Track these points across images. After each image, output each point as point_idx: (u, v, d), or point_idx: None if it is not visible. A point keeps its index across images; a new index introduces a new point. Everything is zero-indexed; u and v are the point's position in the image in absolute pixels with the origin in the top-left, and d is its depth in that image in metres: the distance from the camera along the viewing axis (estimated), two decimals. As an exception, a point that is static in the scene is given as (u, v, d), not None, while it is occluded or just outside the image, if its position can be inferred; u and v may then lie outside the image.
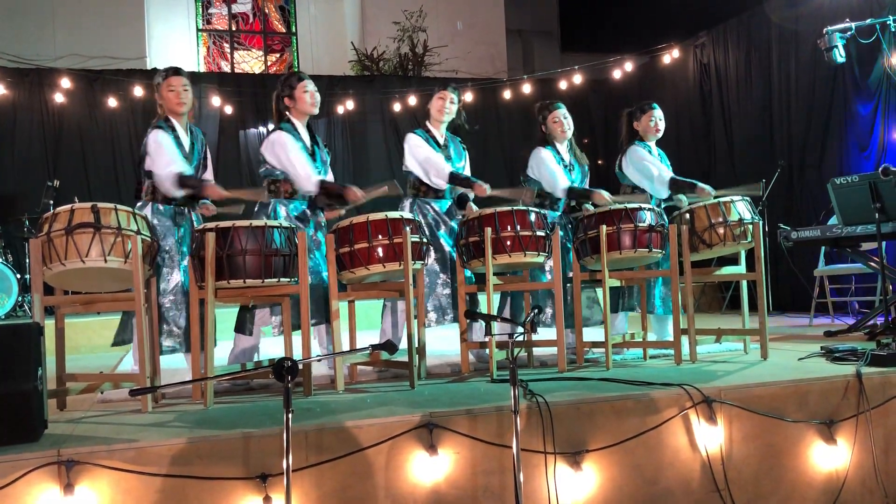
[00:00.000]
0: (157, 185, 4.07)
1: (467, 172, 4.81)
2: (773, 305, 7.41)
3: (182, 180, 4.00)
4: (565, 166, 4.82)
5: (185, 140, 4.17)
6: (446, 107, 4.67)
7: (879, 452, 3.48)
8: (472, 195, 4.73)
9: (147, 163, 4.10)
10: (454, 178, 4.57)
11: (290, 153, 4.17)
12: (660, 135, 5.00)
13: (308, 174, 4.17)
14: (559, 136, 4.85)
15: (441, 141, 4.69)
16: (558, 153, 4.85)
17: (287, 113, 4.32)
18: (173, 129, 4.13)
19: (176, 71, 4.18)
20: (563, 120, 4.83)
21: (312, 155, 4.29)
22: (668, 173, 4.85)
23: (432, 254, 4.48)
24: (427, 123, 4.73)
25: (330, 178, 4.47)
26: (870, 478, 3.48)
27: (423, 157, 4.60)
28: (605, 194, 4.64)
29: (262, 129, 9.59)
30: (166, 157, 4.03)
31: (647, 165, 4.87)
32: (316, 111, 4.35)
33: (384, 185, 4.31)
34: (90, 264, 3.34)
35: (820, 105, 7.52)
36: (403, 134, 9.65)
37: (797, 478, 3.40)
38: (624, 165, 4.98)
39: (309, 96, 4.28)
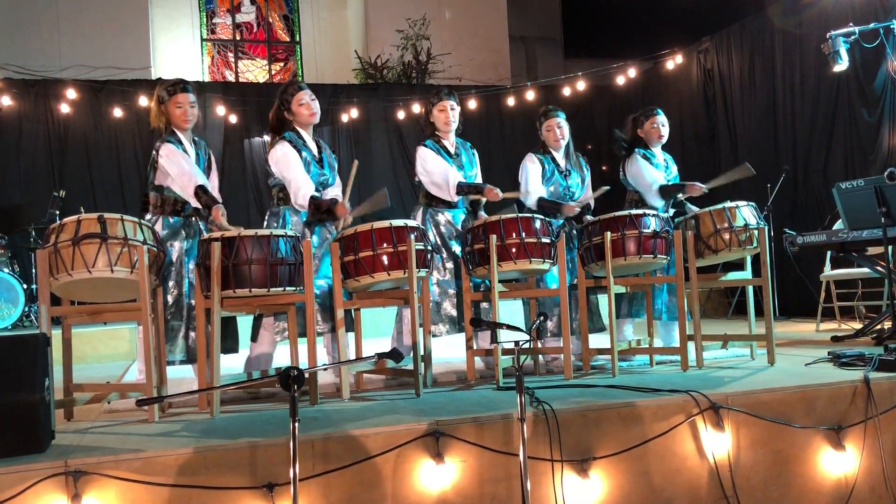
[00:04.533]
0: (181, 190, 4.08)
1: (479, 179, 4.80)
2: (779, 310, 7.38)
3: (198, 193, 4.00)
4: (560, 172, 4.79)
5: (191, 152, 4.19)
6: (450, 116, 4.63)
7: (888, 458, 3.46)
8: (483, 201, 4.73)
9: (159, 177, 4.12)
10: (462, 189, 4.55)
11: (289, 166, 4.19)
12: (664, 140, 4.99)
13: (298, 189, 4.16)
14: (553, 144, 4.83)
15: (452, 150, 4.67)
16: (553, 160, 4.82)
17: (291, 123, 4.33)
18: (180, 143, 4.15)
19: (184, 88, 4.16)
20: (556, 129, 4.79)
21: (320, 162, 4.29)
22: (658, 182, 4.84)
23: (440, 262, 4.49)
24: (436, 133, 4.70)
25: (338, 184, 4.48)
26: (879, 484, 3.46)
27: (432, 169, 4.57)
28: (574, 207, 4.65)
29: (266, 139, 9.61)
30: (185, 167, 4.04)
31: (642, 177, 4.88)
32: (316, 120, 4.34)
33: (375, 198, 4.27)
34: (97, 275, 3.35)
35: (824, 109, 7.51)
36: (408, 141, 9.78)
37: (805, 484, 3.38)
38: (627, 173, 4.99)
39: (306, 108, 4.28)
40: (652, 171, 4.90)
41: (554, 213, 4.68)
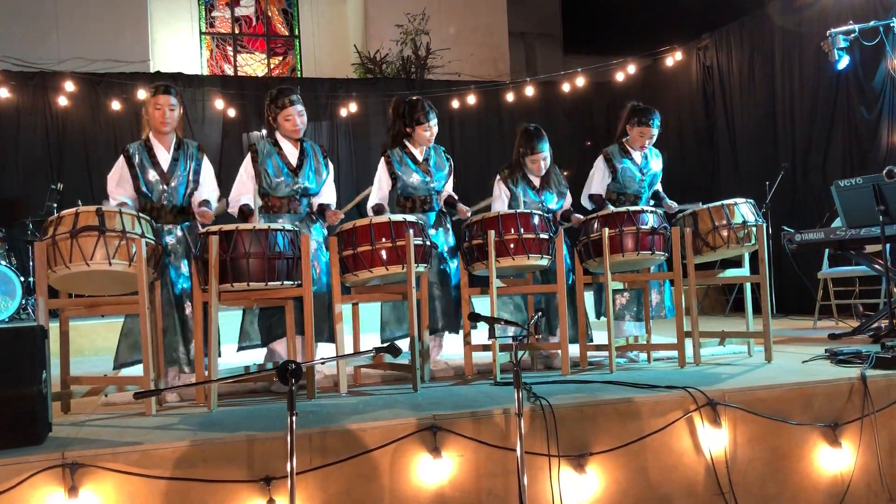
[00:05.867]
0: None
1: (450, 184, 4.73)
2: (776, 308, 7.39)
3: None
4: (533, 189, 4.69)
5: (165, 157, 4.07)
6: (433, 133, 4.58)
7: (884, 455, 3.47)
8: (455, 196, 4.71)
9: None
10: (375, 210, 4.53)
11: (239, 174, 4.25)
12: (644, 150, 4.90)
13: (233, 197, 4.22)
14: (535, 174, 4.71)
15: (420, 156, 4.61)
16: (526, 179, 4.71)
17: (275, 129, 4.32)
18: (149, 150, 4.06)
19: (166, 89, 4.08)
20: (541, 162, 4.66)
21: (296, 171, 4.24)
22: (594, 191, 4.87)
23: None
24: (405, 140, 4.63)
25: (329, 190, 4.43)
26: (875, 480, 3.47)
27: (374, 185, 4.58)
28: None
29: (264, 132, 9.59)
30: (108, 184, 4.07)
31: (588, 181, 4.92)
32: (298, 135, 4.30)
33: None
34: (95, 267, 3.35)
35: (823, 107, 7.50)
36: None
37: (802, 481, 3.39)
38: None
39: (291, 124, 4.24)
40: (597, 182, 4.88)
41: None
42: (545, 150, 4.69)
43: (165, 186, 4.04)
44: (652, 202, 4.95)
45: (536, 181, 4.74)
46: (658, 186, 5.06)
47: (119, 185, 4.04)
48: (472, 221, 4.25)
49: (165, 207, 4.05)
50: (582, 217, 4.56)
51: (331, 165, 4.47)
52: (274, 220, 4.18)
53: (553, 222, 4.63)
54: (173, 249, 4.02)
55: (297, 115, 4.25)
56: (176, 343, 3.95)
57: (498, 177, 4.78)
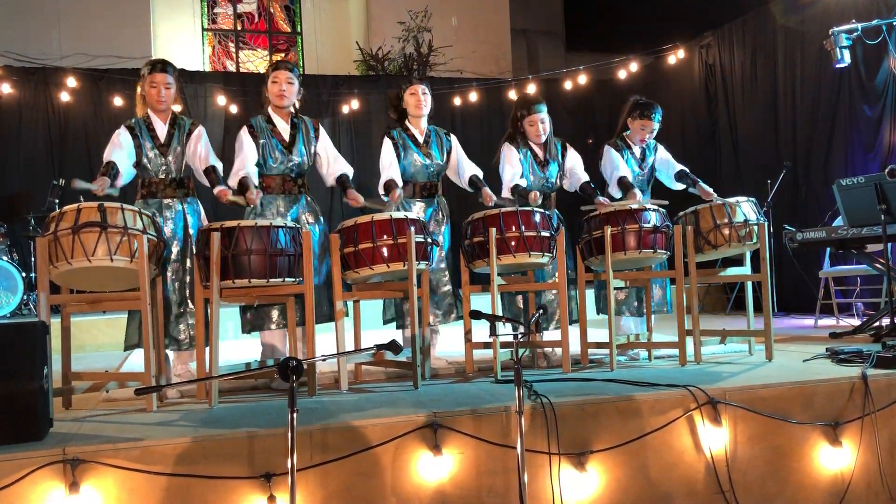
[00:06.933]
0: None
1: (468, 163, 4.72)
2: (777, 307, 7.38)
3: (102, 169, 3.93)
4: (539, 163, 4.66)
5: (162, 130, 4.09)
6: (422, 100, 4.58)
7: (885, 454, 3.47)
8: (480, 174, 4.68)
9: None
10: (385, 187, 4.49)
11: (237, 148, 4.21)
12: (645, 143, 4.86)
13: (235, 170, 4.14)
14: (534, 140, 4.67)
15: (421, 137, 4.62)
16: (531, 152, 4.66)
17: (267, 105, 4.30)
18: (147, 124, 4.08)
19: (162, 67, 4.07)
20: (539, 124, 4.61)
21: (289, 148, 4.23)
22: (622, 173, 4.69)
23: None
24: (406, 122, 4.66)
25: (341, 161, 4.43)
26: (875, 480, 3.47)
27: (382, 162, 4.55)
28: (537, 197, 4.43)
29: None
30: (107, 149, 4.04)
31: (609, 169, 4.79)
32: (283, 103, 4.24)
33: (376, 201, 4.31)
34: (96, 263, 3.35)
35: (825, 106, 7.50)
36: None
37: (802, 479, 3.39)
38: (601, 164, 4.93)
39: (276, 87, 4.21)
40: (623, 165, 4.76)
41: (524, 201, 4.48)
42: (543, 112, 4.65)
43: (163, 159, 4.06)
44: (680, 185, 4.86)
45: (540, 153, 4.69)
46: (680, 166, 4.90)
47: (113, 150, 4.00)
48: (473, 219, 4.24)
49: (164, 181, 4.06)
50: (607, 201, 4.44)
51: (324, 135, 4.43)
52: (269, 203, 4.18)
53: (582, 189, 4.63)
54: (176, 228, 4.02)
55: (284, 81, 4.21)
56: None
57: (504, 143, 4.71)
